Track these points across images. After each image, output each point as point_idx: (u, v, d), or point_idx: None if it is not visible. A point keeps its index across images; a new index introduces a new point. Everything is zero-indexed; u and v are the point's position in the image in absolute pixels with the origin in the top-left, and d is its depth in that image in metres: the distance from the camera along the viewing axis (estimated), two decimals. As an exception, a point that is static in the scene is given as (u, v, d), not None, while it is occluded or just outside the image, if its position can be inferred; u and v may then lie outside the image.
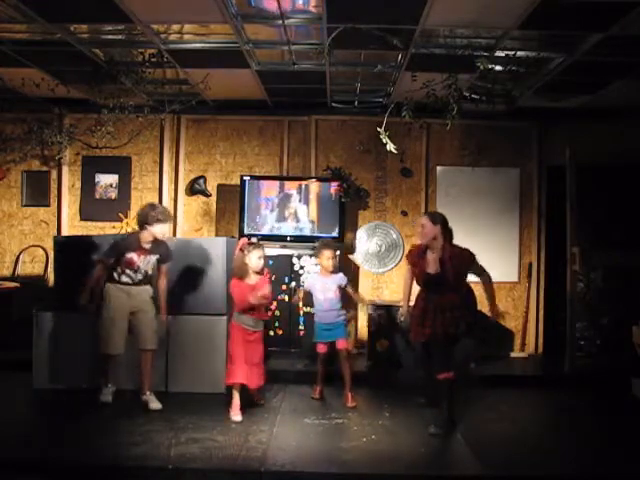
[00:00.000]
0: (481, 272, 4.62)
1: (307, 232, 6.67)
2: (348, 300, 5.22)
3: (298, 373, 5.75)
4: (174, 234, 7.00)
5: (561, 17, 4.24)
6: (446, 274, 4.44)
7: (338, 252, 5.30)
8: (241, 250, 4.72)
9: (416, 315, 4.65)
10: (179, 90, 6.29)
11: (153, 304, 4.91)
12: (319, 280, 5.12)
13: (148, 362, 4.87)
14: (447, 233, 4.54)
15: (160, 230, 4.78)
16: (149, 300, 4.90)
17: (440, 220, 4.54)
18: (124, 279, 4.80)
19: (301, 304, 5.27)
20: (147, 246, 4.80)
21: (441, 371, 4.42)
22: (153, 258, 4.85)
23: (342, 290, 5.09)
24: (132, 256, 4.76)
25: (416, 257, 4.65)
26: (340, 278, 5.11)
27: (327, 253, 5.06)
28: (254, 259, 4.70)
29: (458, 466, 3.94)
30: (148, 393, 4.84)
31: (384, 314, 6.07)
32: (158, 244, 4.87)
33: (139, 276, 4.83)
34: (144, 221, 4.75)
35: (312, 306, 5.21)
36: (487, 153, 6.96)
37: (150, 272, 4.89)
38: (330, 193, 6.64)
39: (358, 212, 7.02)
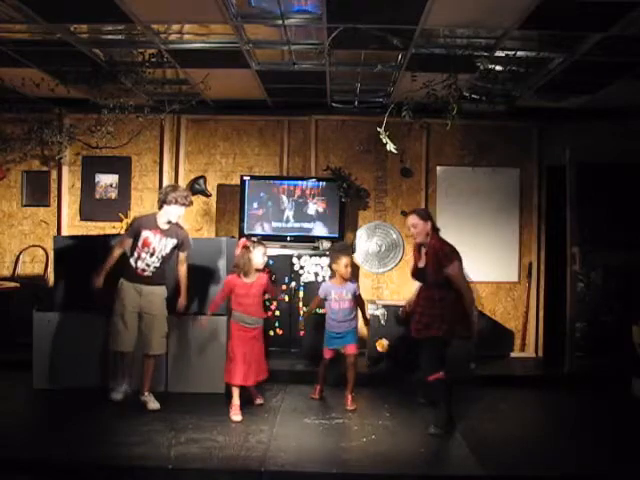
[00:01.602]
0: (456, 280, 4.39)
1: (307, 232, 6.68)
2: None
3: (298, 373, 5.76)
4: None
5: (561, 17, 4.24)
6: (427, 267, 4.47)
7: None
8: (245, 248, 4.73)
9: (412, 310, 4.71)
10: (179, 90, 6.29)
11: (165, 308, 4.89)
12: (334, 289, 5.00)
13: (151, 365, 4.88)
14: (434, 227, 4.58)
15: (175, 212, 4.79)
16: (161, 304, 4.87)
17: (429, 216, 4.60)
18: (140, 265, 4.76)
19: (312, 309, 5.21)
20: (164, 227, 4.80)
21: (429, 373, 4.41)
22: (169, 242, 4.81)
23: (355, 298, 5.06)
24: (148, 235, 4.76)
25: (416, 252, 4.70)
26: (355, 287, 5.06)
27: (345, 260, 4.95)
28: (258, 256, 4.71)
29: (458, 466, 3.93)
30: (147, 394, 4.84)
31: (384, 314, 6.07)
32: (176, 229, 4.87)
33: (155, 262, 4.78)
34: (163, 200, 4.79)
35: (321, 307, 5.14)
36: (487, 153, 6.96)
37: (166, 262, 4.83)
38: (330, 193, 6.64)
39: (358, 212, 7.02)
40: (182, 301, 4.94)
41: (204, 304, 5.35)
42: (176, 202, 4.75)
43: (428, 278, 4.47)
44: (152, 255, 4.78)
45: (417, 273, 4.65)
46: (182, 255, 4.92)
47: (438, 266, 4.39)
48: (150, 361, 4.87)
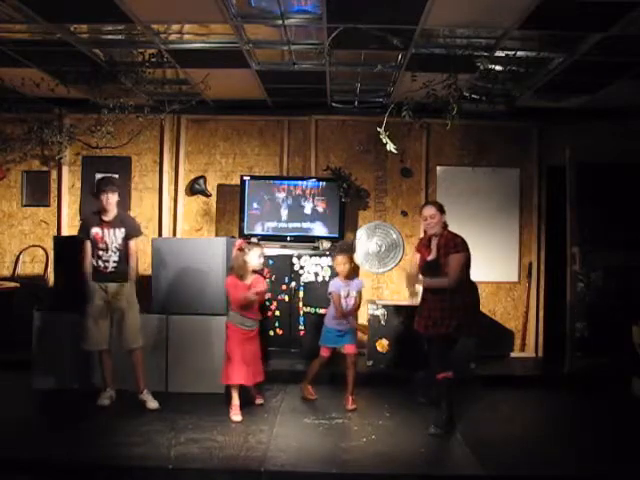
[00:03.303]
0: (450, 268, 4.43)
1: (307, 232, 6.68)
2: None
3: (298, 373, 5.74)
4: (174, 234, 7.01)
5: (561, 17, 4.24)
6: (439, 259, 4.50)
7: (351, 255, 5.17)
8: (240, 250, 4.72)
9: (419, 305, 4.73)
10: (179, 90, 6.29)
11: (136, 302, 4.90)
12: (342, 285, 5.01)
13: (138, 361, 4.88)
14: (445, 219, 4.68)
15: (105, 199, 4.81)
16: (130, 298, 4.87)
17: (443, 208, 4.66)
18: (100, 263, 4.81)
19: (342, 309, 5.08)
20: (108, 218, 4.85)
21: (439, 371, 4.43)
22: (119, 233, 4.85)
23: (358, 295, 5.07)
24: (97, 231, 4.83)
25: (423, 247, 4.73)
26: (360, 283, 5.10)
27: (339, 259, 4.99)
28: (254, 258, 4.71)
29: (458, 466, 3.94)
30: (145, 392, 4.84)
31: (384, 314, 6.07)
32: (122, 218, 4.93)
33: (112, 256, 4.80)
34: (94, 195, 4.94)
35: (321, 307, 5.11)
36: (487, 153, 6.96)
37: (124, 253, 4.84)
38: (330, 193, 6.64)
39: (358, 212, 7.02)
40: (130, 287, 4.88)
41: (204, 304, 5.35)
42: (104, 191, 4.81)
43: (440, 270, 4.49)
44: (107, 250, 4.82)
45: (426, 267, 4.65)
46: (131, 244, 4.89)
47: (447, 255, 4.45)
48: (134, 357, 4.86)
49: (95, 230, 4.83)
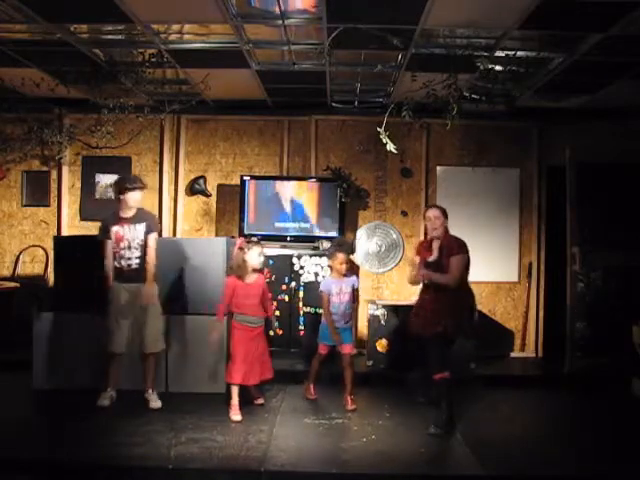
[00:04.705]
0: (452, 267, 4.48)
1: (307, 232, 6.68)
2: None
3: (298, 373, 5.74)
4: (174, 234, 7.01)
5: (561, 17, 4.24)
6: (442, 261, 4.53)
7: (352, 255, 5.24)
8: (240, 249, 4.74)
9: (415, 305, 4.77)
10: (179, 90, 6.29)
11: (158, 304, 4.89)
12: (335, 283, 5.02)
13: (150, 364, 4.88)
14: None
15: (132, 198, 4.80)
16: (152, 299, 4.84)
17: (447, 213, 4.71)
18: (124, 263, 4.77)
19: (328, 311, 5.07)
20: (127, 215, 4.82)
21: (436, 371, 4.43)
22: (139, 227, 4.81)
23: (354, 291, 5.09)
24: (117, 230, 4.79)
25: (423, 249, 4.77)
26: (354, 280, 5.11)
27: (341, 257, 4.99)
28: (254, 256, 4.72)
29: (458, 466, 3.94)
30: (150, 391, 4.85)
31: (384, 314, 6.07)
32: (142, 214, 4.89)
33: (135, 253, 4.77)
34: (118, 191, 4.85)
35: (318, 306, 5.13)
36: (487, 153, 6.96)
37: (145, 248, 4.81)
38: (330, 193, 6.64)
39: (358, 212, 7.02)
40: (147, 288, 4.77)
41: (203, 304, 5.35)
42: (127, 189, 4.78)
43: (442, 270, 4.51)
44: (130, 248, 4.78)
45: (425, 267, 4.66)
46: (150, 237, 4.85)
47: (449, 256, 4.48)
48: (148, 359, 4.87)
49: (115, 229, 4.79)
